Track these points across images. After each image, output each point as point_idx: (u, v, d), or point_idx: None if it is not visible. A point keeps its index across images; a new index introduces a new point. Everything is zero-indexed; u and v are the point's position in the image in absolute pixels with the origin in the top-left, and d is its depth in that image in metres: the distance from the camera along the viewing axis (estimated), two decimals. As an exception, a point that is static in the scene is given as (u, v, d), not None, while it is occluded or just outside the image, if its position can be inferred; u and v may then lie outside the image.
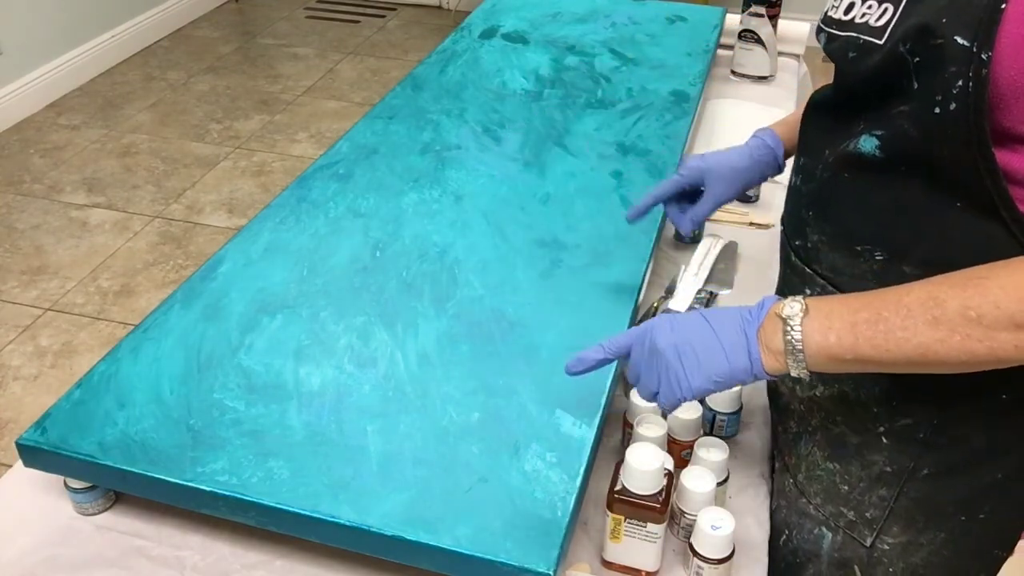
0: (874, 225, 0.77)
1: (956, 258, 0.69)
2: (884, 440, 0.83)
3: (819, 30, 0.82)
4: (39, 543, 0.85)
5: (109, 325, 2.38)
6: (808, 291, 0.85)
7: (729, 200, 1.05)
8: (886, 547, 0.86)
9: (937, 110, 0.67)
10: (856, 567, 0.88)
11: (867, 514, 0.86)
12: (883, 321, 0.68)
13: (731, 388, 0.77)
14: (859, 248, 0.78)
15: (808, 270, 0.85)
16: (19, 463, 0.89)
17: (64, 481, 0.88)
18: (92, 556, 0.84)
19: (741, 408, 0.99)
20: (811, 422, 0.89)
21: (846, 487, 0.87)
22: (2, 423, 2.08)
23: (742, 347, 0.73)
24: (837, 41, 0.78)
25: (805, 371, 0.71)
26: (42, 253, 2.66)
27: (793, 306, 0.71)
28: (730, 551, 0.81)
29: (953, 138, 0.67)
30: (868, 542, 0.86)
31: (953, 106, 0.65)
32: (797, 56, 1.97)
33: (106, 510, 0.89)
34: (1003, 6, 0.62)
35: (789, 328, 0.71)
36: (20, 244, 2.69)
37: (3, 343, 2.31)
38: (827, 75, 0.85)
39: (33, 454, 0.86)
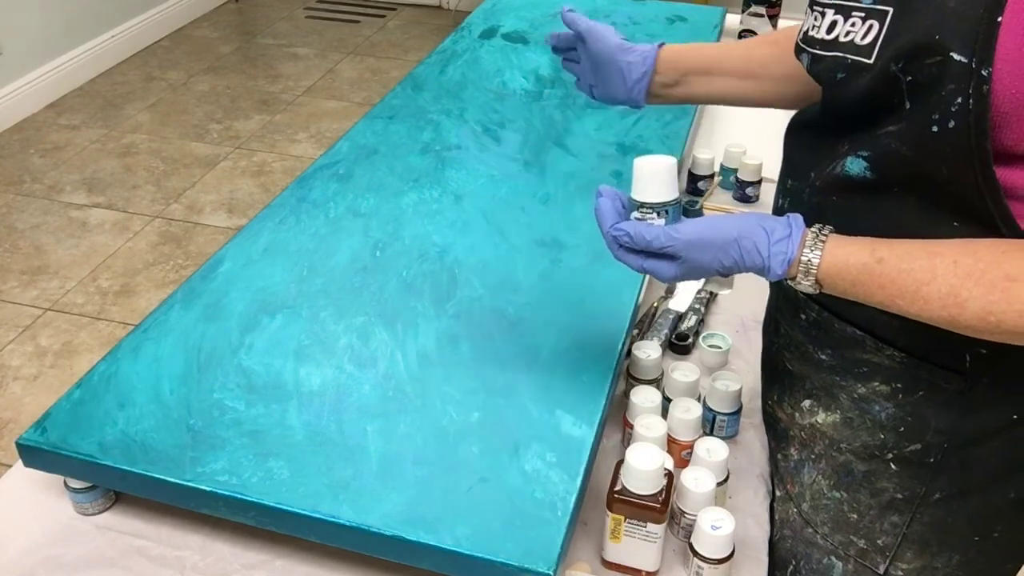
0: None
1: None
2: (893, 467, 0.81)
3: (799, 50, 0.79)
4: (39, 543, 0.85)
5: (109, 325, 2.38)
6: (803, 316, 0.84)
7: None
8: (900, 573, 0.84)
9: (935, 129, 0.64)
10: None
11: (879, 541, 0.84)
12: (897, 308, 0.67)
13: (745, 267, 0.73)
14: None
15: (801, 295, 0.83)
16: (19, 463, 0.89)
17: (64, 481, 0.88)
18: (92, 556, 0.84)
19: (741, 408, 0.99)
20: (814, 449, 0.87)
21: (855, 515, 0.85)
22: (2, 423, 2.08)
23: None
24: (823, 62, 0.75)
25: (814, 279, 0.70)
26: (42, 253, 2.66)
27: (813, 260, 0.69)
28: (730, 551, 0.81)
29: (952, 157, 0.64)
30: (881, 569, 0.84)
31: (952, 124, 0.63)
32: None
33: (106, 510, 0.89)
34: (999, 19, 0.59)
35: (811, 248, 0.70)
36: (20, 244, 2.69)
37: (3, 343, 2.31)
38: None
39: (33, 454, 0.86)
